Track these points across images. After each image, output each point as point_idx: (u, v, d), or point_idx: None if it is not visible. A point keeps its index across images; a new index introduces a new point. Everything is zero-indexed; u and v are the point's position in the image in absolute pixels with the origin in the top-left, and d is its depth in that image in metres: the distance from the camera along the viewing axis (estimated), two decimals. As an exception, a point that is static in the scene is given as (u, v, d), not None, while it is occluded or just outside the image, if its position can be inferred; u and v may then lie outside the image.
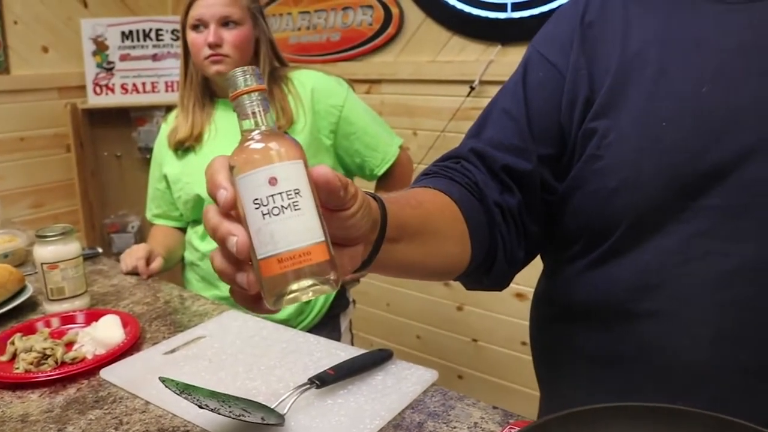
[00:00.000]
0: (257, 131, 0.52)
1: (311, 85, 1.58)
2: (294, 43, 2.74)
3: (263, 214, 0.49)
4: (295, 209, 0.49)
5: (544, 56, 0.87)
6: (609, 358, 0.80)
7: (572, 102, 0.82)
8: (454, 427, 0.78)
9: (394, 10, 2.43)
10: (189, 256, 1.66)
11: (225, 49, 1.51)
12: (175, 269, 1.69)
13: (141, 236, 2.91)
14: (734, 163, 0.71)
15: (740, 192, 0.71)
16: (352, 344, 1.52)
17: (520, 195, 0.83)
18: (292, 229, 0.49)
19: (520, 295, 2.27)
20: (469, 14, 2.25)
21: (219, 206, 0.51)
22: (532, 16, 2.13)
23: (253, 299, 0.54)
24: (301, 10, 2.69)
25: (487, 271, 0.83)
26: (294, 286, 0.49)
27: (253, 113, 0.53)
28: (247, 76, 0.53)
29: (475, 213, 0.79)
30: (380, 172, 1.65)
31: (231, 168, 0.52)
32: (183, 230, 1.71)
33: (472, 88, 2.21)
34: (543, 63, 0.87)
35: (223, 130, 1.58)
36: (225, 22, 1.51)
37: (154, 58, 2.83)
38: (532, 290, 0.96)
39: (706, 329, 0.72)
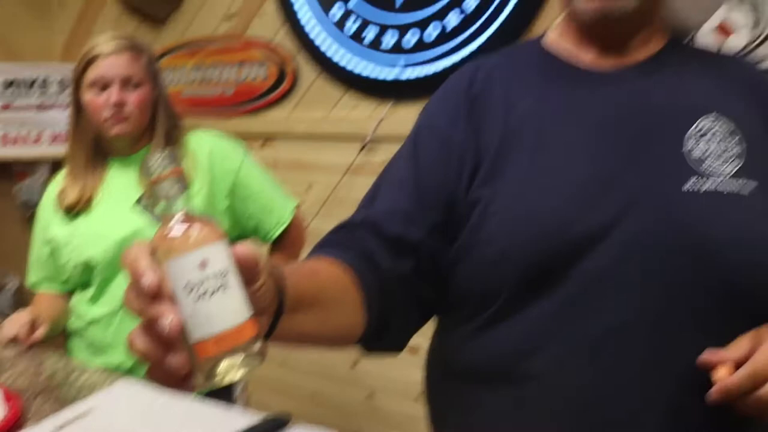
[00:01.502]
0: (179, 214, 0.53)
1: (208, 148, 1.58)
2: (187, 96, 2.71)
3: (197, 297, 0.50)
4: (227, 289, 0.50)
5: (434, 127, 0.93)
6: (497, 417, 0.84)
7: (460, 171, 0.86)
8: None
9: (289, 66, 2.45)
10: (74, 323, 1.59)
11: (127, 110, 1.49)
12: (57, 339, 1.61)
13: (20, 296, 2.75)
14: (603, 231, 0.77)
15: (607, 258, 0.76)
16: (248, 405, 1.49)
17: (413, 262, 0.86)
18: (226, 309, 0.50)
19: (413, 350, 2.30)
20: (361, 74, 2.29)
21: (143, 292, 0.50)
22: (422, 77, 2.20)
23: (180, 380, 0.53)
24: (195, 63, 2.68)
25: (382, 337, 0.85)
26: (227, 364, 0.50)
27: (174, 197, 0.54)
28: (164, 160, 0.54)
29: (369, 281, 0.81)
30: (275, 234, 1.66)
31: (153, 251, 0.52)
32: (68, 296, 1.63)
33: (364, 145, 2.26)
34: (432, 133, 0.92)
35: (116, 192, 1.55)
36: (127, 83, 1.50)
37: (39, 108, 2.72)
38: (426, 344, 0.99)
39: (579, 391, 0.77)
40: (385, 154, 2.25)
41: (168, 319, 0.50)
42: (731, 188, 0.78)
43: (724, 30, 1.73)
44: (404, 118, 2.19)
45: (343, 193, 2.34)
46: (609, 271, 0.76)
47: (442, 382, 0.95)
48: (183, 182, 0.54)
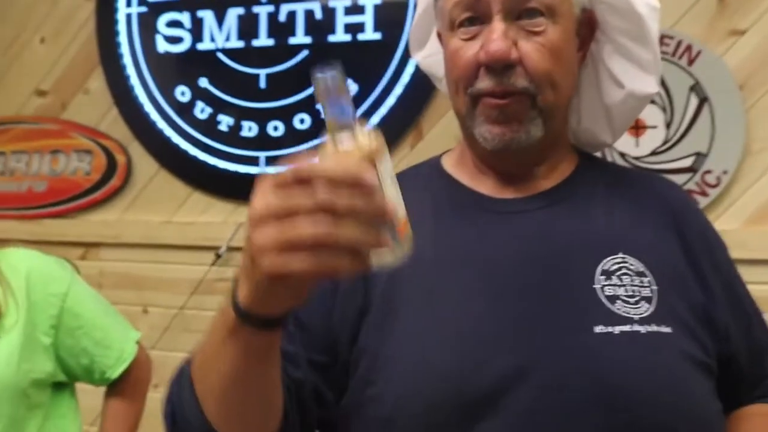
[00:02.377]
0: (357, 128, 0.61)
1: (26, 269, 1.40)
2: (-17, 191, 2.39)
3: (396, 187, 0.63)
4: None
5: None
6: None
7: (344, 315, 0.85)
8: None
9: (120, 158, 2.28)
10: None
11: None
12: None
13: None
14: (503, 386, 0.76)
15: (511, 415, 0.75)
16: None
17: (299, 397, 0.83)
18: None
19: None
20: (215, 167, 2.19)
21: (366, 190, 0.54)
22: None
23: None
24: (-5, 149, 2.39)
25: None
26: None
27: (354, 113, 0.62)
28: (336, 75, 0.61)
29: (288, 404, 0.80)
30: (114, 375, 1.46)
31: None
32: None
33: (219, 256, 2.12)
34: None
35: None
36: None
37: None
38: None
39: None
40: (244, 267, 2.07)
41: (392, 206, 0.58)
42: (646, 329, 0.79)
43: (638, 128, 1.86)
44: None
45: (191, 317, 2.17)
46: (513, 421, 0.76)
47: None
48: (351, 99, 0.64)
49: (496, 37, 0.81)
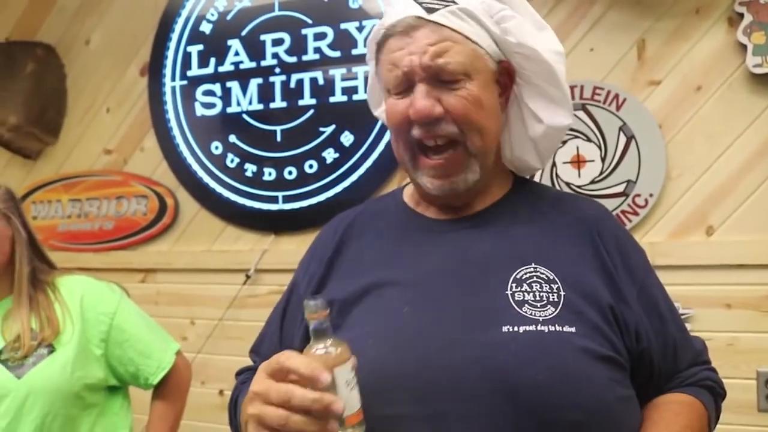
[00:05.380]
0: (330, 340, 0.74)
1: (80, 293, 1.51)
2: (63, 230, 2.63)
3: (350, 389, 0.73)
4: (357, 384, 0.74)
5: (297, 286, 1.00)
6: None
7: (301, 328, 0.95)
8: None
9: (169, 201, 2.46)
10: None
11: None
12: None
13: None
14: (409, 374, 0.81)
15: (424, 399, 0.80)
16: None
17: None
18: (358, 396, 0.74)
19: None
20: (243, 206, 2.35)
21: (317, 388, 0.68)
22: (302, 208, 2.27)
23: None
24: (72, 197, 2.62)
25: None
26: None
27: (328, 328, 0.75)
28: (321, 305, 0.74)
29: None
30: (155, 380, 1.58)
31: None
32: None
33: (248, 277, 2.27)
34: (296, 294, 1.00)
35: None
36: None
37: None
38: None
39: None
40: (269, 285, 2.27)
41: (340, 403, 0.69)
42: (549, 328, 0.82)
43: (579, 162, 2.00)
44: (286, 249, 2.25)
45: (229, 326, 2.32)
46: (427, 415, 0.80)
47: None
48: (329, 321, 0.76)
49: (420, 97, 0.86)
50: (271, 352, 0.90)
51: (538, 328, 0.82)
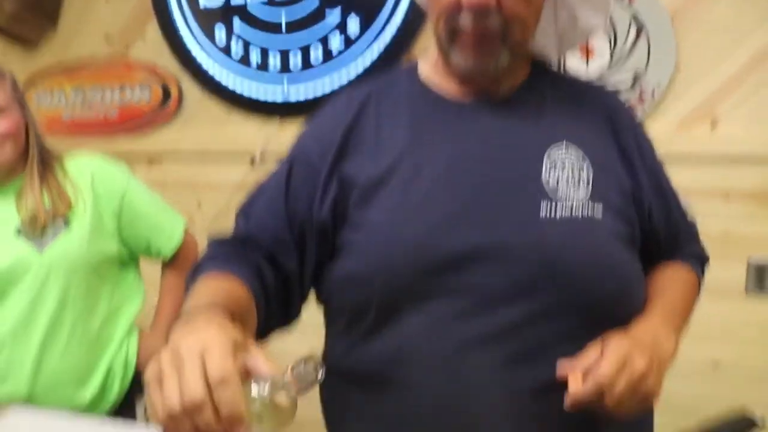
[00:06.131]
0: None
1: (90, 170, 1.55)
2: (68, 119, 2.63)
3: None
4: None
5: (307, 159, 0.96)
6: (384, 422, 0.90)
7: (324, 201, 0.92)
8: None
9: (173, 89, 2.46)
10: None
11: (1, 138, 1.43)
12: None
13: None
14: (463, 255, 0.83)
15: (469, 278, 0.83)
16: (149, 421, 1.47)
17: (285, 275, 0.93)
18: None
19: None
20: (247, 95, 2.35)
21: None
22: (307, 99, 2.28)
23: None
24: (75, 86, 2.61)
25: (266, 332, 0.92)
26: None
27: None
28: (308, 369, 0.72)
29: (259, 294, 0.88)
30: (167, 253, 1.65)
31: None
32: None
33: (254, 162, 2.30)
34: (305, 163, 0.96)
35: None
36: None
37: None
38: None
39: (440, 399, 0.84)
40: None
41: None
42: (583, 212, 0.86)
43: (585, 53, 1.99)
44: (292, 135, 2.19)
45: (234, 210, 2.30)
46: (471, 289, 0.83)
47: (334, 387, 0.97)
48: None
49: None
50: (273, 225, 0.93)
51: (573, 214, 0.86)
